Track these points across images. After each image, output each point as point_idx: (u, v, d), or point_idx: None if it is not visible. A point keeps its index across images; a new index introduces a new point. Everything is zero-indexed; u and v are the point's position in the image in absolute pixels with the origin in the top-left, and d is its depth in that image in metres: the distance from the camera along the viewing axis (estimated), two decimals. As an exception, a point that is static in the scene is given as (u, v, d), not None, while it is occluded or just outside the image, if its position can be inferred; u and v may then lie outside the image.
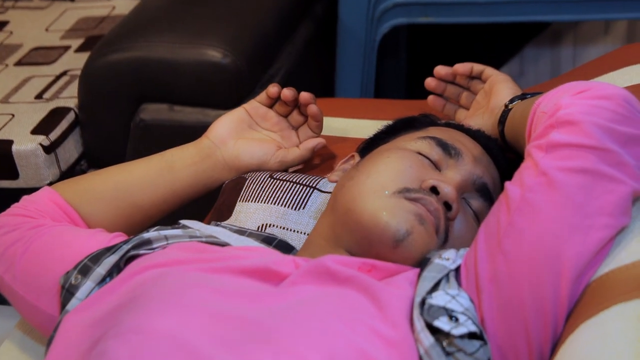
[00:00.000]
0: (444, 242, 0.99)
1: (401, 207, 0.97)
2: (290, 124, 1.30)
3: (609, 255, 0.87)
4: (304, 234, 1.17)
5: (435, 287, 0.89)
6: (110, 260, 1.01)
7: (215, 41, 1.71)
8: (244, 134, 1.28)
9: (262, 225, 1.19)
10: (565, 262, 0.86)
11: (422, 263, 0.94)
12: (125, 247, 1.03)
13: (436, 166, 1.04)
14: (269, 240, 1.08)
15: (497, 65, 2.35)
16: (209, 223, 1.13)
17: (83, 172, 1.80)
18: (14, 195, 1.25)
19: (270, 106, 1.30)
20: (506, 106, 1.16)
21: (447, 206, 0.99)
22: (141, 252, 1.03)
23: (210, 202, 1.32)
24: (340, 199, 1.04)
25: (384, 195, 0.99)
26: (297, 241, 1.16)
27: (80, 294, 1.00)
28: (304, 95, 1.25)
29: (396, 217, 0.96)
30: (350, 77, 2.05)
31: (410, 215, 0.97)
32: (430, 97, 1.36)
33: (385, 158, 1.05)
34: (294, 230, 1.18)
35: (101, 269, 1.01)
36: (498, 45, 2.54)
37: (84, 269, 1.01)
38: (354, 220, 0.99)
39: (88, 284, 1.00)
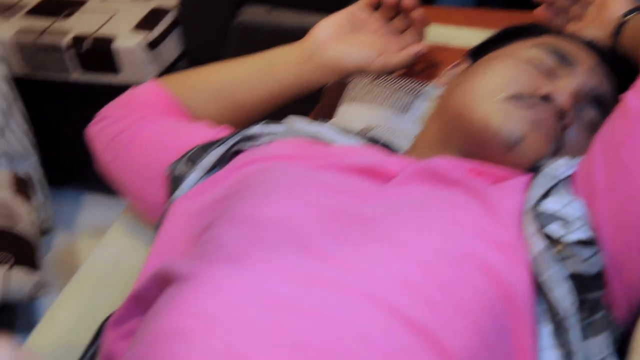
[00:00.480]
0: (557, 151, 0.97)
1: (514, 112, 0.95)
2: (394, 28, 1.28)
3: None
4: (410, 136, 1.16)
5: (546, 194, 0.87)
6: (217, 152, 1.03)
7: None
8: (346, 37, 1.26)
9: (367, 127, 1.19)
10: (686, 173, 0.83)
11: (534, 170, 0.93)
12: (232, 141, 1.04)
13: (550, 74, 1.02)
14: (374, 141, 1.08)
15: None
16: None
17: (183, 70, 1.81)
18: (115, 91, 1.27)
19: (374, 10, 1.28)
20: (623, 17, 1.13)
21: (561, 115, 0.97)
22: (247, 146, 1.04)
23: (313, 103, 1.32)
24: (450, 102, 1.02)
25: (497, 100, 0.97)
26: (401, 144, 1.15)
27: (187, 183, 1.02)
28: (407, 1, 1.23)
29: (509, 122, 0.95)
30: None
31: (523, 120, 0.95)
32: (540, 8, 1.32)
33: (498, 63, 1.03)
34: (399, 133, 1.17)
35: (208, 160, 1.02)
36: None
37: (193, 158, 1.03)
38: (465, 124, 0.98)
39: (195, 173, 1.02)
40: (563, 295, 0.79)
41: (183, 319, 0.72)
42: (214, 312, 0.72)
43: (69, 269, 1.84)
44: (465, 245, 0.80)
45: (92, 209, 1.77)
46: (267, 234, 0.81)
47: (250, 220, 0.84)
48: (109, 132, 1.15)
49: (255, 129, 1.06)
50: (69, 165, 1.90)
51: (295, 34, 1.31)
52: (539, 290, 0.80)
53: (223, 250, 0.80)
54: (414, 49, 1.27)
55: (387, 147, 1.07)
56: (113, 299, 0.98)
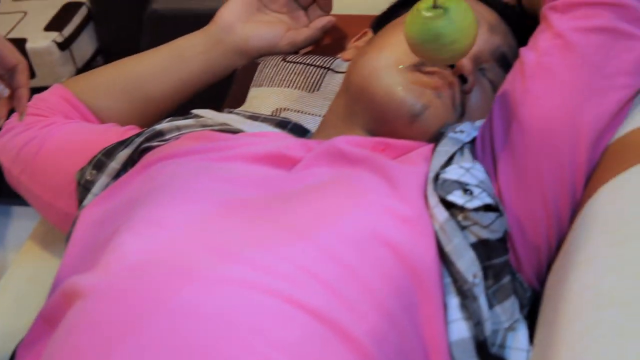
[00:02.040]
0: (461, 116, 0.96)
1: (416, 81, 0.94)
2: (299, 4, 1.27)
3: (628, 115, 0.84)
4: (319, 116, 1.15)
5: (449, 162, 0.87)
6: (124, 154, 1.01)
7: None
8: (252, 17, 1.24)
9: (277, 109, 1.17)
10: (582, 126, 0.83)
11: (437, 138, 0.92)
12: (138, 140, 1.02)
13: None
14: (284, 124, 1.06)
15: None
16: (222, 111, 1.11)
17: (99, 67, 1.78)
18: (31, 95, 1.23)
19: (278, -13, 1.26)
20: (523, -29, 1.11)
21: (463, 79, 0.96)
22: (154, 144, 1.02)
23: (226, 91, 1.30)
24: (354, 76, 1.01)
25: (399, 69, 0.95)
26: (312, 124, 1.14)
27: (95, 189, 1.00)
28: None
29: (412, 91, 0.94)
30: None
31: (426, 89, 0.94)
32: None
33: (398, 32, 1.01)
34: (309, 113, 1.16)
35: (115, 163, 1.00)
36: None
37: (99, 164, 1.01)
38: (369, 98, 0.96)
39: (103, 179, 1.00)
40: (467, 265, 0.78)
41: (81, 341, 0.71)
42: (110, 331, 0.70)
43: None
44: (369, 225, 0.79)
45: (12, 221, 1.73)
46: (169, 238, 0.79)
47: (152, 224, 0.82)
48: (16, 142, 1.12)
49: (162, 125, 1.04)
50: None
51: (211, 18, 1.28)
52: (445, 261, 0.79)
53: (126, 263, 0.78)
54: (321, 22, 1.26)
55: (297, 129, 1.06)
56: (31, 318, 0.96)
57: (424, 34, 0.79)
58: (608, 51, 0.83)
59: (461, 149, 0.88)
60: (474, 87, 0.96)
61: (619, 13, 0.84)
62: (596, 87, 0.83)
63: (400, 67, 0.96)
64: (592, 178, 0.83)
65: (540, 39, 0.88)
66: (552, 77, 0.85)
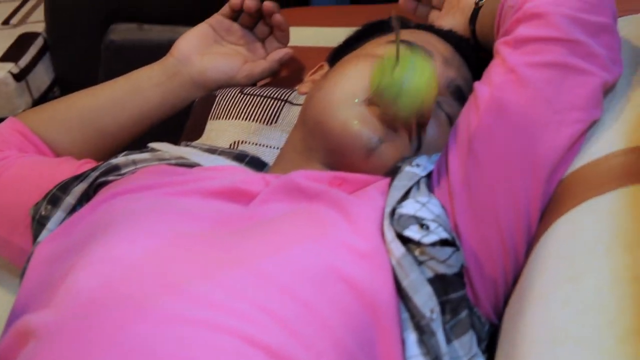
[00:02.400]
0: (418, 149, 0.96)
1: (372, 114, 0.95)
2: (257, 36, 1.27)
3: (582, 149, 0.85)
4: (277, 148, 1.15)
5: (405, 196, 0.87)
6: (79, 189, 1.00)
7: (181, -46, 1.66)
8: (209, 49, 1.25)
9: (235, 142, 1.17)
10: (537, 160, 0.84)
11: (393, 172, 0.92)
12: (94, 174, 1.01)
13: None
14: (241, 158, 1.06)
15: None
16: (180, 144, 1.11)
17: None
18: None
19: (235, 19, 1.26)
20: (476, 4, 1.13)
21: None
22: (110, 178, 1.01)
23: (184, 123, 1.29)
24: (310, 110, 1.01)
25: (354, 103, 0.96)
26: (270, 157, 1.13)
27: (51, 224, 0.99)
28: (267, 5, 1.22)
29: (368, 125, 0.94)
30: (324, -17, 2.00)
31: (381, 123, 0.94)
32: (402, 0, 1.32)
33: (353, 65, 1.02)
34: (267, 146, 1.16)
35: (70, 198, 0.99)
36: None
37: (53, 199, 1.00)
38: (325, 132, 0.96)
39: (58, 214, 0.99)
40: (424, 300, 0.78)
41: None
42: None
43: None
44: (326, 261, 0.79)
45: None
46: (124, 277, 0.78)
47: (108, 261, 0.81)
48: (-31, 176, 1.11)
49: (118, 159, 1.03)
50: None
51: (168, 49, 1.28)
52: (403, 296, 0.79)
53: (79, 301, 0.77)
54: (278, 54, 1.26)
55: (255, 162, 1.06)
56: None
57: (386, 88, 0.85)
58: (560, 86, 0.84)
59: (417, 183, 0.89)
60: (430, 120, 0.97)
61: (571, 48, 0.85)
62: (549, 121, 0.84)
63: (356, 100, 0.96)
64: (546, 212, 0.84)
65: (494, 74, 0.89)
66: (506, 112, 0.85)
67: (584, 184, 0.82)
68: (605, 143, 0.84)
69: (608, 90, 0.89)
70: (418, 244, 0.81)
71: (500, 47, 0.89)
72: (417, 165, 0.91)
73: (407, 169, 0.91)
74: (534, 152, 0.84)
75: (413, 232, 0.81)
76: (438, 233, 0.82)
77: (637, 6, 1.06)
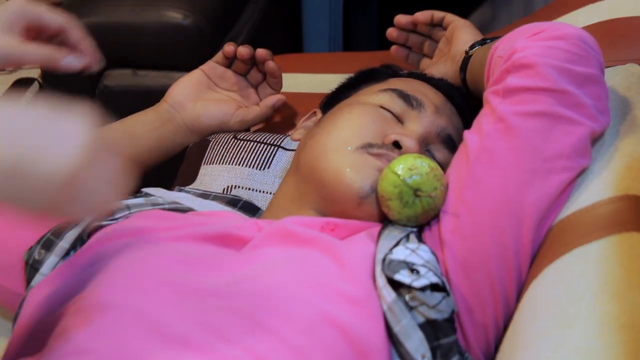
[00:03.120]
0: None
1: (365, 162, 0.96)
2: (250, 82, 1.29)
3: (571, 197, 0.87)
4: (270, 193, 1.16)
5: (396, 244, 0.88)
6: (73, 233, 1.00)
7: (176, 2, 1.68)
8: (202, 95, 1.26)
9: (228, 187, 1.18)
10: (526, 208, 0.85)
11: (385, 217, 0.93)
12: (88, 219, 1.01)
13: (398, 119, 1.02)
14: (234, 203, 1.07)
15: (469, 11, 2.32)
16: (173, 189, 1.11)
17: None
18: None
19: (228, 66, 1.28)
20: (466, 53, 1.15)
21: None
22: (104, 223, 1.02)
23: (177, 168, 1.30)
24: (303, 157, 1.02)
25: (347, 151, 0.97)
26: (263, 202, 1.15)
27: (44, 269, 0.98)
28: (260, 52, 1.24)
29: (360, 173, 0.95)
30: (316, 32, 2.03)
31: (374, 170, 0.95)
32: (393, 47, 1.34)
33: (346, 114, 1.03)
34: (260, 191, 1.17)
35: (64, 243, 0.99)
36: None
37: (47, 244, 1.00)
38: (318, 179, 0.98)
39: (52, 259, 0.99)
40: (416, 346, 0.79)
41: None
42: None
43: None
44: (318, 308, 0.79)
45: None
46: (119, 323, 0.79)
47: (102, 307, 0.81)
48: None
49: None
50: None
51: (162, 94, 1.30)
52: (394, 341, 0.80)
53: (71, 348, 0.77)
54: (271, 100, 1.28)
55: (248, 207, 1.06)
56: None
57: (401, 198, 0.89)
58: (548, 135, 0.86)
59: (407, 235, 0.90)
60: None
61: (558, 98, 0.86)
62: (537, 169, 0.85)
63: (349, 148, 0.97)
64: (536, 259, 0.85)
65: (484, 123, 0.90)
66: (495, 160, 0.87)
67: (573, 232, 0.83)
68: (594, 191, 0.85)
69: (596, 139, 0.90)
70: (409, 288, 0.82)
71: (490, 97, 0.91)
72: None
73: None
74: (523, 200, 0.85)
75: (403, 277, 0.82)
76: (428, 277, 0.82)
77: (623, 57, 1.08)
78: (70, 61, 0.89)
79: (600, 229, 0.80)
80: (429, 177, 0.87)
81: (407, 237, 0.89)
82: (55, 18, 0.90)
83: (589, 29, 1.12)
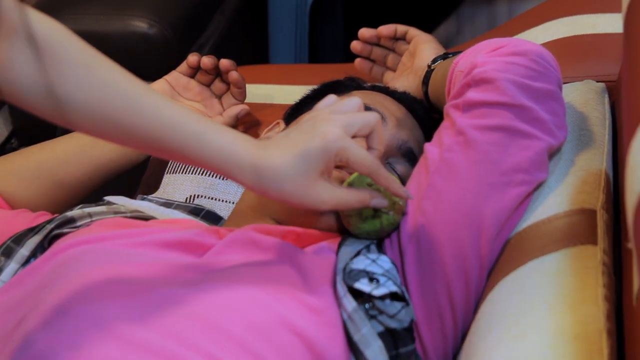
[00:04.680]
0: None
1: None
2: (214, 92, 1.29)
3: (528, 210, 0.88)
4: (232, 203, 1.17)
5: (357, 253, 0.89)
6: (33, 241, 1.00)
7: (141, 11, 1.67)
8: None
9: (191, 196, 1.18)
10: (484, 220, 0.86)
11: (345, 230, 0.94)
12: (49, 227, 1.01)
13: None
14: (197, 212, 1.07)
15: (434, 25, 2.35)
16: (136, 197, 1.11)
17: (14, 150, 1.76)
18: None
19: (192, 76, 1.28)
20: (429, 67, 1.16)
21: None
22: (65, 230, 1.01)
23: (140, 177, 1.30)
24: None
25: None
26: (225, 211, 1.15)
27: (4, 276, 0.98)
28: (224, 62, 1.24)
29: None
30: (282, 43, 2.03)
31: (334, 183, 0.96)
32: (357, 60, 1.36)
33: None
34: (223, 200, 1.17)
35: (25, 250, 0.99)
36: (434, 4, 2.54)
37: (7, 251, 0.99)
38: None
39: (12, 266, 0.99)
40: (375, 354, 0.80)
41: None
42: None
43: None
44: (276, 313, 0.80)
45: None
46: (78, 329, 0.79)
47: (61, 314, 0.81)
48: None
49: (74, 212, 1.04)
50: None
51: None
52: (354, 350, 0.80)
53: (30, 353, 0.77)
54: (235, 110, 1.28)
55: (210, 216, 1.07)
56: None
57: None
58: (506, 148, 0.87)
59: (367, 246, 0.91)
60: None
61: (516, 113, 0.88)
62: (495, 182, 0.87)
63: None
64: (493, 271, 0.86)
65: (444, 135, 0.92)
66: (454, 173, 0.88)
67: (529, 245, 0.84)
68: (550, 205, 0.87)
69: (553, 153, 0.92)
70: (369, 298, 0.83)
71: (450, 110, 0.92)
72: None
73: None
74: (481, 212, 0.86)
75: (363, 285, 0.83)
76: (388, 286, 0.83)
77: (581, 73, 1.10)
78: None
79: (555, 241, 0.82)
80: (388, 193, 0.87)
81: (368, 247, 0.90)
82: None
83: (548, 45, 1.14)
